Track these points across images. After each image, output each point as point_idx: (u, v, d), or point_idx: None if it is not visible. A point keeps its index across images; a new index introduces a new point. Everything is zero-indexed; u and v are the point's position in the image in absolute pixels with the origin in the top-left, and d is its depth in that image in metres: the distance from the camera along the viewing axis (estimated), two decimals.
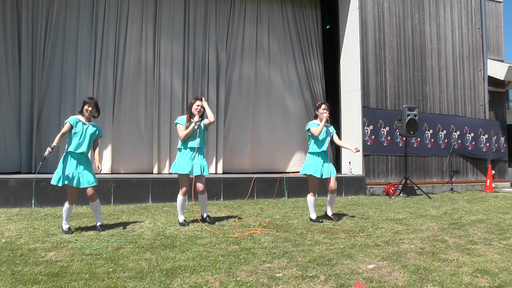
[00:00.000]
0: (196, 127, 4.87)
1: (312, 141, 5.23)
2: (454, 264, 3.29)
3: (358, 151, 5.19)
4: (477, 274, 3.02)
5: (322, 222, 5.15)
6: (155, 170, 8.71)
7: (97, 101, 4.69)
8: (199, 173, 4.86)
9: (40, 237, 4.10)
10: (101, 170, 4.54)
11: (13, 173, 7.49)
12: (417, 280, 2.89)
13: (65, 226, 4.41)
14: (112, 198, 6.74)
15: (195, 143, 4.89)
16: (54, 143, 4.30)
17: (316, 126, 5.20)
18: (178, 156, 4.93)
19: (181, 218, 4.90)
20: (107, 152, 8.38)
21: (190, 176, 4.86)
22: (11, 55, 8.04)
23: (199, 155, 4.93)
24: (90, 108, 4.53)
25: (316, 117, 5.44)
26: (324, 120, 5.17)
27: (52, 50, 8.32)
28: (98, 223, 4.57)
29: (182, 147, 4.90)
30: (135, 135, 8.76)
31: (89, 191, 4.48)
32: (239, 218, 5.46)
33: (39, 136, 8.14)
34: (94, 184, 4.47)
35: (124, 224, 4.88)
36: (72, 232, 4.34)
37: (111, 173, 8.21)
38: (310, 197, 5.25)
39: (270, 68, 10.17)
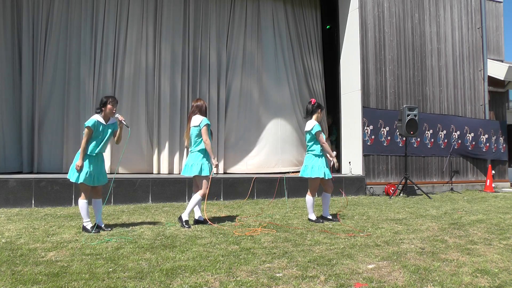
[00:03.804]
0: None
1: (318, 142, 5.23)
2: (454, 264, 3.30)
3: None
4: (477, 274, 3.02)
5: (322, 222, 5.15)
6: (155, 170, 8.70)
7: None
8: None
9: (40, 237, 4.10)
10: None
11: (14, 173, 7.48)
12: (417, 280, 2.89)
13: (89, 225, 4.39)
14: (112, 198, 6.75)
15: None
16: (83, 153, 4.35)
17: (320, 129, 5.22)
18: (204, 159, 5.10)
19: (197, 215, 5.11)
20: (107, 152, 8.36)
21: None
22: (12, 55, 8.02)
23: None
24: (115, 109, 4.48)
25: (308, 114, 5.34)
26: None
27: (52, 50, 8.29)
28: (103, 225, 4.55)
29: (203, 149, 5.07)
30: (135, 135, 8.75)
31: (99, 189, 4.54)
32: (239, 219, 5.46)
33: (40, 136, 8.11)
34: (105, 182, 4.58)
35: (124, 224, 4.88)
36: (97, 230, 4.36)
37: (111, 173, 8.18)
38: (310, 198, 5.24)
39: (270, 68, 10.16)
